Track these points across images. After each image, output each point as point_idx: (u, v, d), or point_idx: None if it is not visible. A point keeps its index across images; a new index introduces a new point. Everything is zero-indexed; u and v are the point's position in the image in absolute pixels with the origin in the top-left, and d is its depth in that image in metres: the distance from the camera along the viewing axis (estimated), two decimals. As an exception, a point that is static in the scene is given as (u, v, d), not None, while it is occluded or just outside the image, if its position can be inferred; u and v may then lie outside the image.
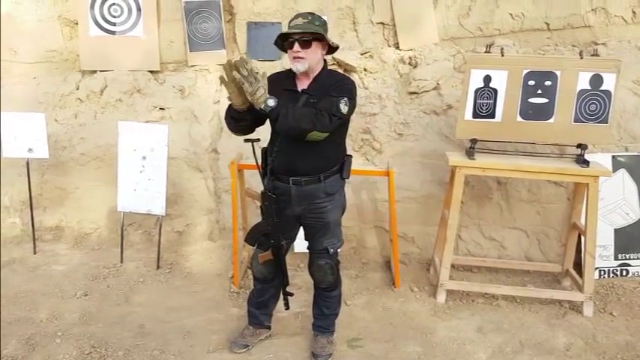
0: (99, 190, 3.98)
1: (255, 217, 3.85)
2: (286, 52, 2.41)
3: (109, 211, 3.95)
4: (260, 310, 2.79)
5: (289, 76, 2.45)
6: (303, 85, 2.41)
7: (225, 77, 2.21)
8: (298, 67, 2.34)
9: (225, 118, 2.41)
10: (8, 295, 3.20)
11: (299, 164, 2.41)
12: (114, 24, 4.13)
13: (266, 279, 2.68)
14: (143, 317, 3.02)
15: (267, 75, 2.29)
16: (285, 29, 2.44)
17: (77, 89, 4.14)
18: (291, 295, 2.68)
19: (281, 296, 2.69)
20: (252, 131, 2.49)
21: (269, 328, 2.86)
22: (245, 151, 3.69)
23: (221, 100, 4.02)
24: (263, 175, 2.47)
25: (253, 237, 2.55)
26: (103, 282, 3.42)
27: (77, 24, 4.20)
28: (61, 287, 3.32)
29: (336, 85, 2.35)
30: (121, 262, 3.65)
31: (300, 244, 3.38)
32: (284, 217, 2.49)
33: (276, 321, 3.03)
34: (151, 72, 4.17)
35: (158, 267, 3.60)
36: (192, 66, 4.17)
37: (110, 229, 3.98)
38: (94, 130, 4.00)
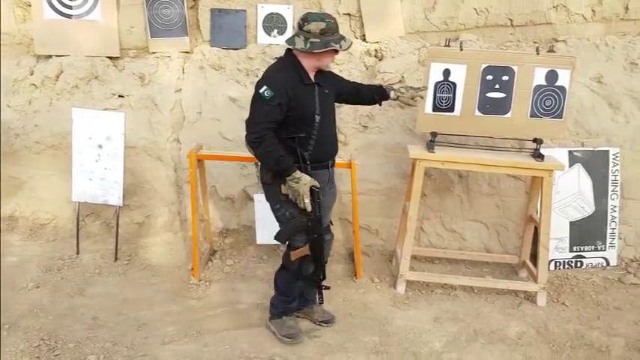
0: (55, 180, 3.86)
1: (220, 210, 3.83)
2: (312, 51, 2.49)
3: (65, 202, 3.83)
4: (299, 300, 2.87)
5: (297, 70, 2.54)
6: (312, 77, 2.58)
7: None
8: (330, 65, 2.69)
9: (272, 154, 2.47)
10: (-45, 287, 3.09)
11: (335, 146, 2.73)
12: (70, 7, 3.97)
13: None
14: (97, 309, 2.96)
15: (274, 74, 2.53)
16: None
17: (31, 74, 3.97)
18: (328, 288, 2.73)
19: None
20: None
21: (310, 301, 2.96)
22: (206, 141, 3.66)
23: (183, 88, 3.95)
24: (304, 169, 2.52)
25: (288, 234, 2.59)
26: (57, 274, 3.33)
27: (30, 6, 4.03)
28: (12, 279, 3.21)
29: (331, 74, 2.75)
30: (77, 253, 3.57)
31: (265, 235, 3.38)
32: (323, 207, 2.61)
33: (235, 312, 3.03)
34: (110, 58, 4.04)
35: (116, 259, 3.53)
36: (154, 53, 4.07)
37: (67, 219, 3.87)
38: (49, 118, 3.86)
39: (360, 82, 3.94)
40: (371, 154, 3.79)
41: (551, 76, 3.06)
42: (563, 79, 3.07)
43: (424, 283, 3.36)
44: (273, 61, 3.97)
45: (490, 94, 3.10)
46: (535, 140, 3.16)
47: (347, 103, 3.03)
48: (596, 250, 3.65)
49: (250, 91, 3.81)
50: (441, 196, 3.77)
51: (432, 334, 2.88)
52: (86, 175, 3.44)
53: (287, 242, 2.63)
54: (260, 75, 3.85)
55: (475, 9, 4.09)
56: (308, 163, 2.52)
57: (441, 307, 3.15)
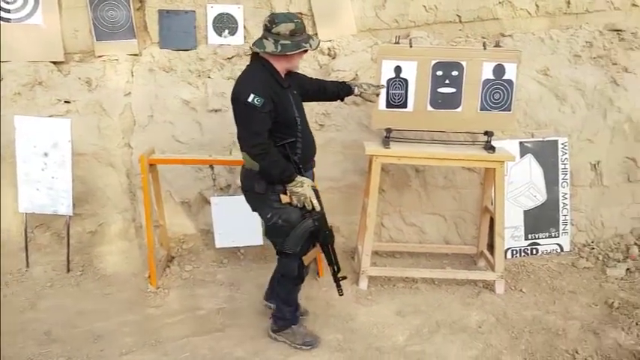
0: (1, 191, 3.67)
1: (176, 215, 3.74)
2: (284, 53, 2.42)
3: (12, 213, 3.65)
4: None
5: (273, 74, 2.46)
6: (284, 80, 2.53)
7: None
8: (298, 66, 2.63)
9: (279, 163, 2.42)
10: None
11: (315, 145, 2.70)
12: (8, 10, 3.77)
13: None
14: (49, 324, 2.84)
15: (253, 81, 2.39)
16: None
17: (-31, 82, 3.78)
18: (345, 278, 2.70)
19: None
20: None
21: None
22: (159, 145, 3.57)
23: (132, 91, 3.83)
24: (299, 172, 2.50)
25: (298, 242, 2.52)
26: (5, 289, 3.19)
27: (-37, 10, 3.83)
28: (-46, 298, 3.05)
29: (294, 74, 2.63)
30: (27, 266, 3.42)
31: (224, 238, 3.32)
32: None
33: (195, 319, 2.96)
34: (54, 63, 3.88)
35: (68, 270, 3.39)
36: (100, 56, 3.93)
37: (14, 232, 3.68)
38: (-9, 127, 3.68)
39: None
40: (328, 152, 3.79)
41: (499, 70, 3.13)
42: (510, 73, 3.14)
43: (386, 277, 3.39)
44: (225, 62, 3.94)
45: (441, 90, 3.14)
46: (486, 133, 3.23)
47: (310, 100, 2.97)
48: (550, 236, 3.78)
49: (203, 93, 3.82)
50: (400, 191, 3.81)
51: (395, 328, 2.90)
52: (32, 184, 3.29)
53: (279, 250, 2.59)
54: (212, 76, 3.87)
55: (424, 6, 4.16)
56: (300, 166, 2.50)
57: (403, 300, 3.18)
